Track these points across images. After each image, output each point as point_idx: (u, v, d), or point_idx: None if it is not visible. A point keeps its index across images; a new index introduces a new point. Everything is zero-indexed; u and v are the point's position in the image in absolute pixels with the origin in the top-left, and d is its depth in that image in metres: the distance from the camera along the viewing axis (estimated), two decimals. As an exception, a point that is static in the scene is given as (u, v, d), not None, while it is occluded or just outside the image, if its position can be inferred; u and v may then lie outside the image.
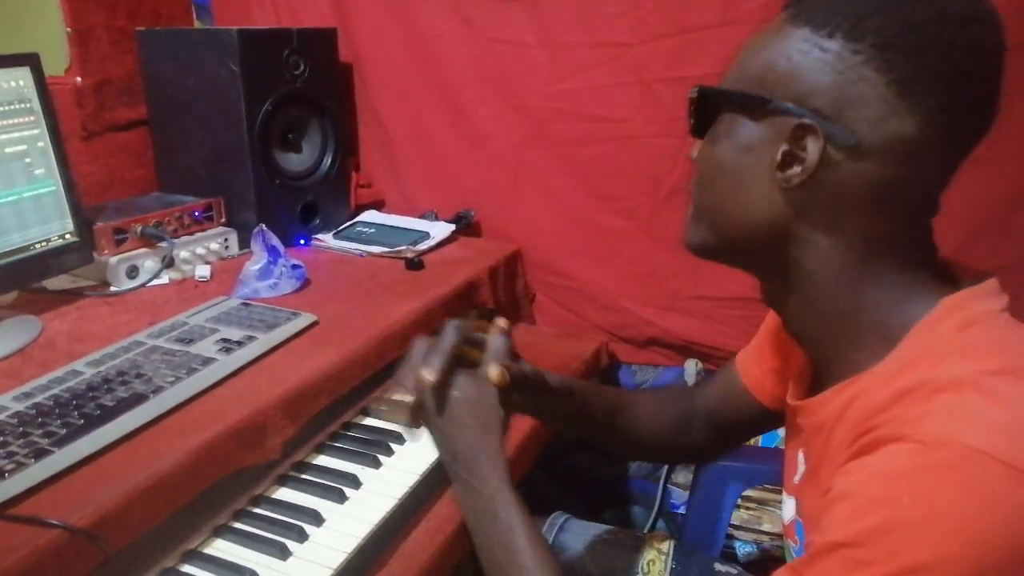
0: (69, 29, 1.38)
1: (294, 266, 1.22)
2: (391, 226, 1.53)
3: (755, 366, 0.86)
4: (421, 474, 0.95)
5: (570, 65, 1.37)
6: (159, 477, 0.75)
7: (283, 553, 0.81)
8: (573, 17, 1.34)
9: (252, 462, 0.86)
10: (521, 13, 1.38)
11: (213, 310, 1.09)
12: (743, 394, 0.87)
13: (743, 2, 1.20)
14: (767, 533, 1.50)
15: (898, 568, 0.46)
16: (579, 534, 1.08)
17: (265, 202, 1.39)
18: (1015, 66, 1.08)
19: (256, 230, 1.20)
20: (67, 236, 1.13)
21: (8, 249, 1.05)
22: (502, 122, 1.47)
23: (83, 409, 0.81)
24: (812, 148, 0.55)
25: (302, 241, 1.47)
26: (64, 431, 0.77)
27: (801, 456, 0.68)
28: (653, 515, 1.59)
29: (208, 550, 0.82)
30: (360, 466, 0.97)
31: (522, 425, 1.07)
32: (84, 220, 1.16)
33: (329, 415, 1.01)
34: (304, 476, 0.95)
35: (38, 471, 0.72)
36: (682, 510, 1.58)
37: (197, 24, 1.67)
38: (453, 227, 1.50)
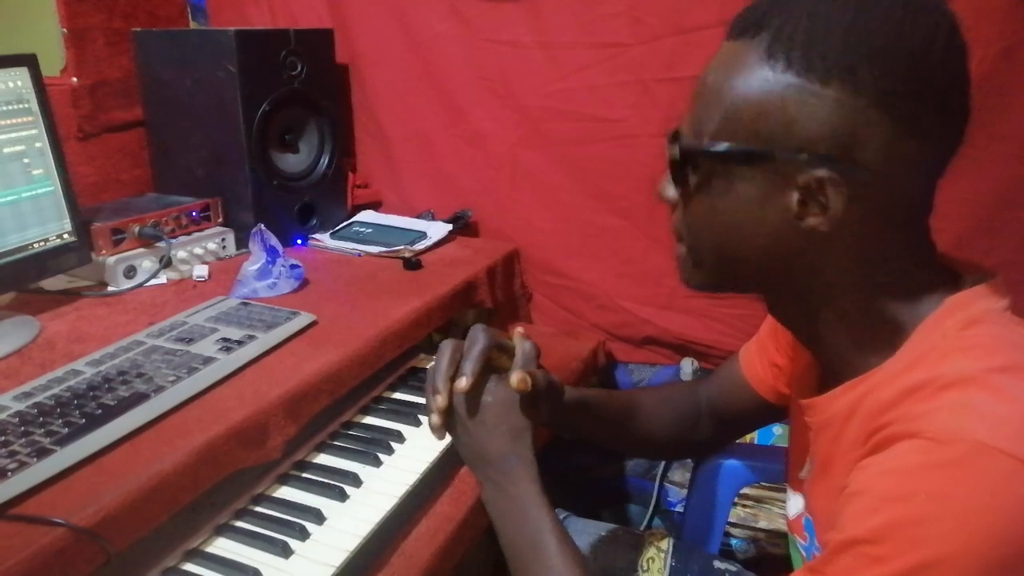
0: (65, 30, 1.38)
1: (292, 266, 1.22)
2: (388, 226, 1.53)
3: (757, 360, 0.87)
4: (422, 473, 0.95)
5: (567, 65, 1.38)
6: (161, 477, 0.75)
7: (285, 551, 0.81)
8: (571, 17, 1.35)
9: (254, 461, 0.86)
10: (518, 13, 1.39)
11: (212, 310, 1.09)
12: (745, 388, 0.88)
13: (741, 3, 1.21)
14: (763, 531, 1.51)
15: (914, 563, 0.47)
16: (579, 532, 1.08)
17: (262, 202, 1.39)
18: (1005, 68, 1.10)
19: (254, 230, 1.20)
20: (65, 236, 1.13)
21: (6, 249, 1.05)
22: (499, 122, 1.47)
23: (84, 408, 0.81)
24: (834, 195, 0.53)
25: (299, 241, 1.47)
26: (66, 430, 0.77)
27: (809, 453, 0.69)
28: (649, 513, 1.59)
29: (210, 549, 0.82)
30: (361, 464, 0.97)
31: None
32: (82, 220, 1.16)
33: (330, 414, 1.01)
34: (305, 475, 0.95)
35: (41, 470, 0.72)
36: (679, 508, 1.58)
37: (192, 25, 1.67)
38: (450, 227, 1.50)
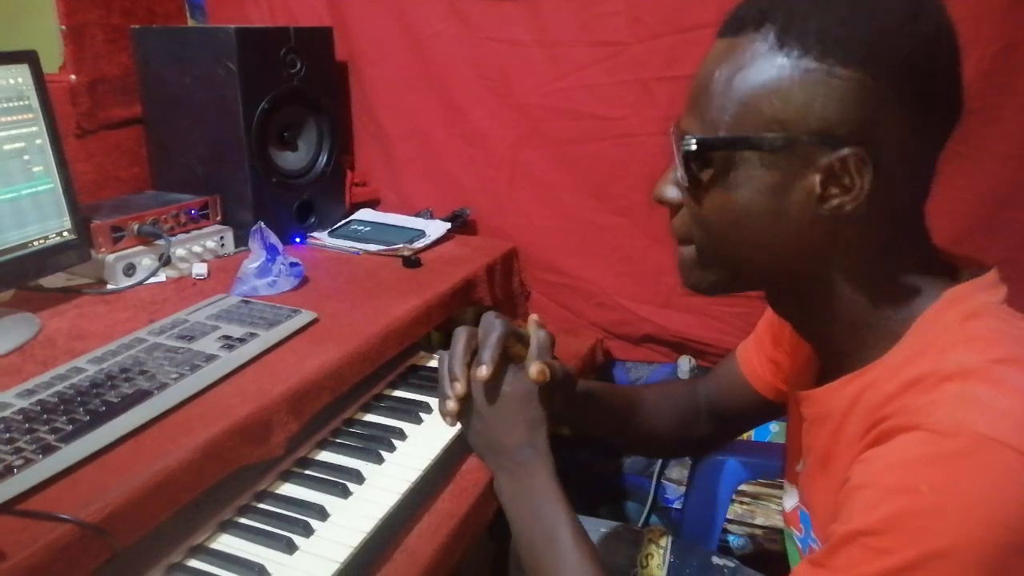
0: (63, 27, 1.37)
1: (292, 264, 1.22)
2: (387, 224, 1.54)
3: (754, 357, 0.88)
4: (424, 469, 0.96)
5: (567, 64, 1.38)
6: (166, 473, 0.75)
7: (289, 548, 0.81)
8: (570, 16, 1.35)
9: (257, 458, 0.87)
10: (518, 12, 1.39)
11: (213, 307, 1.09)
12: (743, 385, 0.89)
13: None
14: (761, 527, 1.52)
15: (918, 554, 0.48)
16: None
17: (261, 200, 1.39)
18: (1005, 66, 1.11)
19: (254, 228, 1.20)
20: (65, 234, 1.13)
21: (6, 247, 1.05)
22: (498, 120, 1.47)
23: (88, 406, 0.81)
24: (859, 173, 0.54)
25: (297, 239, 1.47)
26: (70, 427, 0.77)
27: (805, 446, 0.69)
28: (647, 510, 1.60)
29: (215, 545, 0.83)
30: (363, 462, 0.97)
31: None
32: (82, 218, 1.16)
33: (331, 411, 1.01)
34: (308, 472, 0.95)
35: (46, 467, 0.72)
36: (676, 505, 1.59)
37: (191, 22, 1.67)
38: (449, 225, 1.50)
